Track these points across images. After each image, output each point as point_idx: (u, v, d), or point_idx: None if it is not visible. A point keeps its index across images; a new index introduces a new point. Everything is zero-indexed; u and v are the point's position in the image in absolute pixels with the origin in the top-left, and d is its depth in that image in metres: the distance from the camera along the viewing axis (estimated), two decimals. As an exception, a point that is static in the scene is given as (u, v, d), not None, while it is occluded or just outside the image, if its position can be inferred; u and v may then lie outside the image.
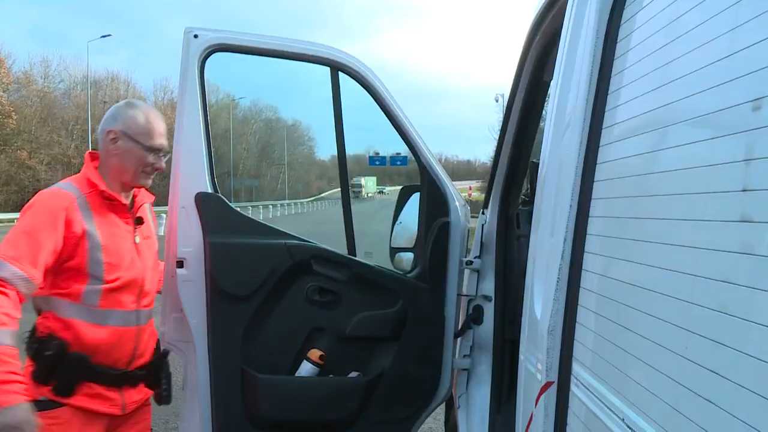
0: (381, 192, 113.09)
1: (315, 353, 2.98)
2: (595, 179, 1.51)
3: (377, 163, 76.35)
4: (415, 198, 3.29)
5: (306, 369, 2.98)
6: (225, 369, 2.89)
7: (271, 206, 65.74)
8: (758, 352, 0.84)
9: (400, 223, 3.41)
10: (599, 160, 1.51)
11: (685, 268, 1.07)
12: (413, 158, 3.12)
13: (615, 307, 1.34)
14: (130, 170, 2.46)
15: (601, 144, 1.52)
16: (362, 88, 3.12)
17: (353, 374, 3.05)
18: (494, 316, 3.08)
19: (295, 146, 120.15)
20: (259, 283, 2.92)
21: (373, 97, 3.11)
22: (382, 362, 3.05)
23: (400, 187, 3.72)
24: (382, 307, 3.01)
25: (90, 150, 2.68)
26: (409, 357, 3.01)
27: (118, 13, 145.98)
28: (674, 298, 1.09)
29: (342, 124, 3.19)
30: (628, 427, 1.19)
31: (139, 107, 2.60)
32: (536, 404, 1.61)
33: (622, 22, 1.49)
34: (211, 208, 2.89)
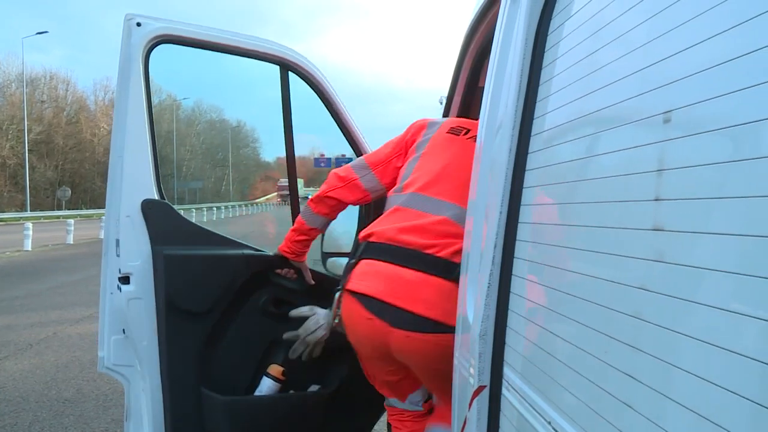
0: (306, 197, 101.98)
1: (276, 369, 2.87)
2: (524, 185, 1.54)
3: (322, 165, 76.24)
4: None
5: (267, 386, 2.85)
6: (181, 392, 2.68)
7: (215, 208, 64.87)
8: (670, 357, 0.87)
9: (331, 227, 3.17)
10: (528, 167, 1.54)
11: (605, 275, 1.10)
12: None
13: (542, 312, 1.37)
14: None
15: (529, 151, 1.54)
16: (310, 88, 3.06)
17: (314, 387, 2.98)
18: None
19: (239, 148, 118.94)
20: (217, 298, 2.75)
21: (320, 98, 3.07)
22: (340, 372, 2.99)
23: None
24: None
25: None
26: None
27: (53, 6, 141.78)
28: (595, 303, 1.11)
29: (291, 125, 3.11)
30: (555, 429, 1.21)
31: None
32: (470, 408, 1.63)
33: (549, 31, 1.52)
34: (159, 217, 2.70)
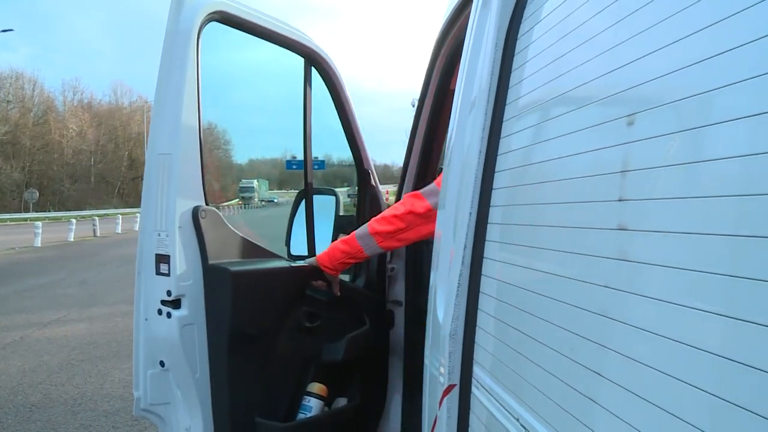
0: (271, 201, 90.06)
1: (319, 387, 2.69)
2: (494, 187, 1.56)
3: (294, 167, 75.87)
4: (323, 202, 3.11)
5: (315, 405, 2.64)
6: (239, 426, 2.36)
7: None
8: (634, 353, 0.89)
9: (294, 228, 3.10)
10: (497, 168, 1.56)
11: (572, 274, 1.13)
12: (348, 162, 3.00)
13: (510, 312, 1.39)
14: None
15: (499, 153, 1.57)
16: (326, 86, 2.93)
17: (342, 400, 2.89)
18: (404, 321, 3.10)
19: (211, 150, 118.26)
20: (273, 316, 2.48)
21: (334, 98, 2.95)
22: (359, 381, 2.92)
23: (296, 192, 3.31)
24: (355, 327, 2.82)
25: None
26: (378, 368, 2.94)
27: (18, 4, 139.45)
28: (562, 302, 1.14)
29: (309, 123, 2.91)
30: (523, 427, 1.23)
31: None
32: (440, 407, 1.65)
33: (519, 35, 1.55)
34: (210, 228, 2.32)
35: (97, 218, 34.93)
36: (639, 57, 0.96)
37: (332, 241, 3.01)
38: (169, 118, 2.24)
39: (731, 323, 0.71)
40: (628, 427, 0.89)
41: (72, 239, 27.45)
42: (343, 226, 3.06)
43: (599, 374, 0.98)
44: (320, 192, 3.15)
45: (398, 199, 3.38)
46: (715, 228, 0.74)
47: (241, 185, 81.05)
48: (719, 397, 0.71)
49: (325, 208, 3.13)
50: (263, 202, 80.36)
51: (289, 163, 74.24)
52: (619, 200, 0.96)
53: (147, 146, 2.27)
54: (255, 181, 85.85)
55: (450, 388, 1.61)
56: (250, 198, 79.91)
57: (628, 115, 0.96)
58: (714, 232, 0.74)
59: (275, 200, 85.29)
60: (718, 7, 0.79)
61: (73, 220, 30.38)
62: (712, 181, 0.76)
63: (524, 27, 1.53)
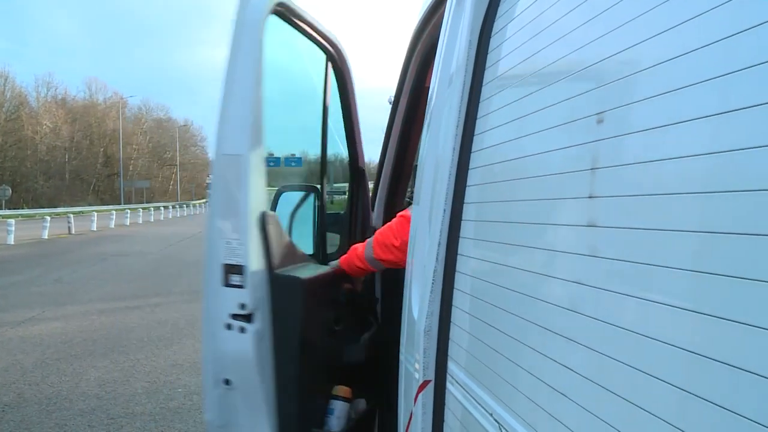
0: None
1: (344, 389, 2.62)
2: (468, 184, 1.58)
3: (271, 164, 75.50)
4: (310, 201, 3.04)
5: (339, 408, 2.57)
6: None
7: (162, 208, 63.72)
8: (603, 348, 0.92)
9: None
10: (471, 165, 1.58)
11: (544, 270, 1.15)
12: (341, 161, 2.96)
13: (484, 308, 1.41)
14: None
15: (473, 150, 1.58)
16: (337, 84, 2.89)
17: (361, 402, 2.85)
18: (381, 317, 3.11)
19: (187, 147, 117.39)
20: (323, 322, 2.40)
21: (342, 97, 2.92)
22: (373, 381, 2.90)
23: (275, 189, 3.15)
24: (366, 327, 2.81)
25: None
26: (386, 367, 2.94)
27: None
28: (534, 298, 1.16)
29: (327, 120, 2.85)
30: (496, 421, 1.25)
31: None
32: (415, 402, 1.66)
33: (492, 33, 1.57)
34: (274, 234, 2.18)
35: (72, 215, 34.50)
36: (608, 56, 0.98)
37: (318, 238, 2.99)
38: (239, 115, 2.05)
39: (696, 318, 0.73)
40: (596, 419, 0.91)
41: (46, 237, 27.10)
42: (331, 224, 3.03)
43: (570, 368, 1.00)
44: (302, 189, 3.11)
45: (372, 196, 3.38)
46: (685, 224, 0.76)
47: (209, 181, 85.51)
48: (685, 390, 0.74)
49: (307, 204, 3.08)
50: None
51: (266, 161, 74.12)
52: (590, 197, 0.98)
53: (218, 145, 2.08)
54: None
55: (425, 384, 1.62)
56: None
57: (598, 113, 0.98)
58: (685, 229, 0.76)
59: None
60: (684, 7, 0.81)
61: (48, 218, 29.99)
62: (677, 178, 0.78)
63: (498, 25, 1.54)
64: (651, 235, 0.83)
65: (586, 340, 0.96)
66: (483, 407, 1.33)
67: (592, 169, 0.98)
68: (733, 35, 0.71)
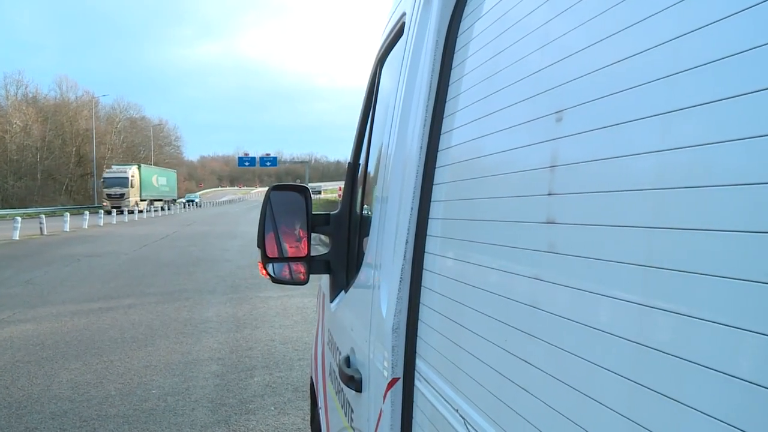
0: (191, 202, 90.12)
1: None
2: (435, 182, 1.59)
3: (246, 164, 75.33)
4: (292, 199, 2.83)
5: None
6: None
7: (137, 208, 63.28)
8: (561, 343, 0.94)
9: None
10: (438, 164, 1.59)
11: (505, 267, 1.17)
12: (348, 162, 2.87)
13: (450, 305, 1.42)
14: None
15: (439, 149, 1.59)
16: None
17: None
18: None
19: (161, 146, 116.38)
20: None
21: (368, 98, 2.79)
22: None
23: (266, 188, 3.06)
24: None
25: None
26: None
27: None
28: (497, 294, 1.18)
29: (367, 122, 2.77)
30: (462, 418, 1.27)
31: None
32: (384, 400, 1.67)
33: (459, 33, 1.58)
34: None
35: (44, 216, 34.05)
36: (566, 56, 1.00)
37: (307, 238, 2.92)
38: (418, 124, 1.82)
39: (648, 312, 0.75)
40: (556, 414, 0.93)
41: (17, 237, 26.72)
42: (316, 224, 2.98)
43: (530, 363, 1.02)
44: (289, 188, 3.04)
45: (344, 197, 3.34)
46: (639, 221, 0.79)
47: (187, 197, 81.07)
48: (639, 384, 0.76)
49: (294, 204, 2.97)
50: (187, 203, 75.39)
51: (241, 160, 73.69)
52: (549, 194, 1.01)
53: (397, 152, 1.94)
54: (197, 194, 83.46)
55: (394, 381, 1.63)
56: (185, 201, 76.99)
57: (557, 112, 1.00)
58: (639, 225, 0.78)
59: (196, 199, 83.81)
60: (635, 9, 0.83)
61: (18, 218, 29.51)
62: (636, 175, 0.80)
63: (464, 24, 1.56)
64: (605, 231, 0.85)
65: (546, 336, 0.98)
66: (450, 404, 1.34)
67: (551, 167, 1.00)
68: (680, 36, 0.74)
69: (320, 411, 3.12)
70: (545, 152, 1.02)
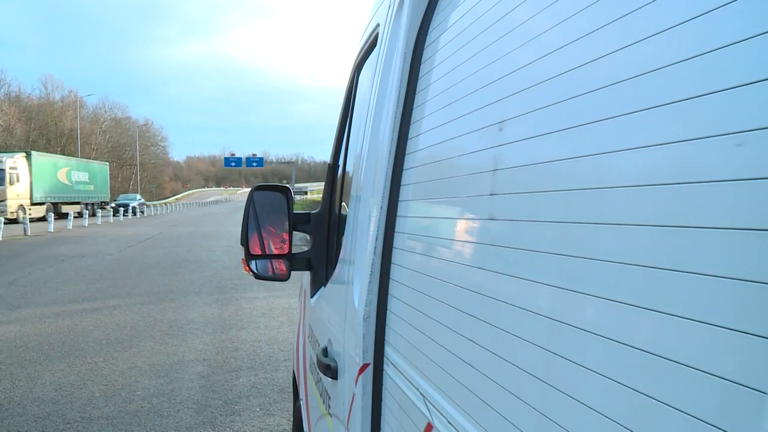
0: (123, 207, 57.20)
1: None
2: (402, 183, 1.73)
3: (233, 164, 75.18)
4: (274, 198, 2.92)
5: None
6: None
7: (121, 208, 62.06)
8: (502, 323, 1.06)
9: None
10: (405, 166, 1.73)
11: (457, 259, 1.32)
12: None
13: (415, 296, 1.55)
14: None
15: (407, 152, 1.73)
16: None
17: None
18: None
19: (147, 147, 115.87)
20: None
21: (347, 104, 2.90)
22: None
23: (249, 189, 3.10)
24: None
25: None
26: None
27: None
28: (451, 284, 1.31)
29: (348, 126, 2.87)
30: (426, 399, 1.37)
31: None
32: (356, 384, 1.79)
33: (425, 45, 1.73)
34: None
35: (27, 216, 33.77)
36: (507, 73, 1.15)
37: (289, 236, 2.96)
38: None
39: (563, 294, 0.89)
40: (506, 392, 1.03)
41: (0, 238, 26.52)
42: (298, 222, 3.01)
43: (476, 343, 1.15)
44: (272, 188, 3.06)
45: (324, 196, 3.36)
46: (552, 216, 0.94)
47: (120, 200, 64.15)
48: (575, 363, 0.85)
49: (276, 204, 2.99)
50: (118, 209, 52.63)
51: (227, 160, 73.52)
52: (491, 194, 1.16)
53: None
54: (137, 195, 68.29)
55: (364, 366, 1.76)
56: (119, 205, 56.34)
57: (499, 122, 1.15)
58: (565, 220, 0.91)
59: (140, 199, 66.57)
60: (572, 29, 0.95)
61: (1, 218, 29.28)
62: (563, 177, 0.93)
63: (430, 38, 1.70)
64: (532, 226, 1.00)
65: (492, 320, 1.10)
66: (416, 388, 1.45)
67: (493, 170, 1.15)
68: (602, 55, 0.86)
69: (301, 403, 3.22)
70: (489, 157, 1.18)
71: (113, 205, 57.33)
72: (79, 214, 49.46)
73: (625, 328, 0.75)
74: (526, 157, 1.04)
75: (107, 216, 47.79)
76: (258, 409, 5.93)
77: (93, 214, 53.32)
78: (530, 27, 1.09)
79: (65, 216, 43.86)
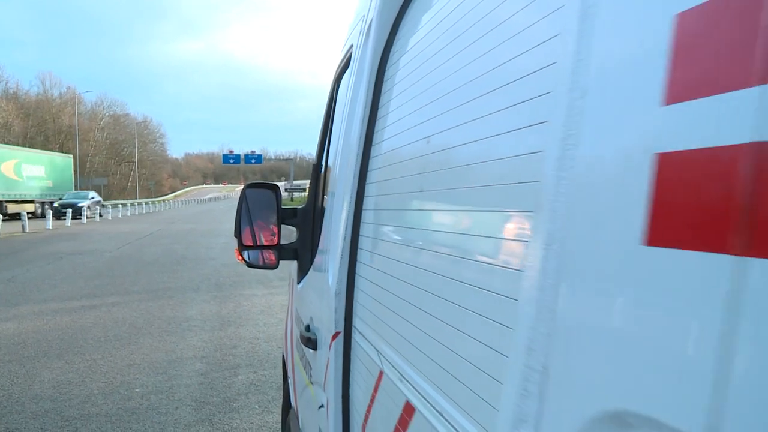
0: (67, 208, 41.55)
1: None
2: (367, 181, 2.07)
3: (231, 161, 75.14)
4: (263, 195, 3.17)
5: None
6: None
7: (120, 205, 61.95)
8: (445, 295, 1.29)
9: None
10: (370, 167, 2.06)
11: (401, 241, 1.67)
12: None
13: (377, 274, 1.86)
14: None
15: (371, 155, 2.05)
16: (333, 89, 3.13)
17: None
18: None
19: (145, 144, 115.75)
20: None
21: (329, 110, 3.16)
22: None
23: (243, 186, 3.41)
24: None
25: None
26: None
27: None
28: (399, 261, 1.63)
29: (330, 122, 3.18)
30: (386, 359, 1.65)
31: None
32: (330, 349, 2.12)
33: (387, 65, 2.04)
34: None
35: (26, 213, 33.74)
36: (435, 98, 1.49)
37: (278, 229, 3.19)
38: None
39: (486, 267, 1.14)
40: (450, 351, 1.24)
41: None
42: (286, 217, 3.15)
43: (429, 314, 1.38)
44: (262, 186, 3.26)
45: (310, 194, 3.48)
46: (466, 207, 1.27)
47: (65, 201, 46.89)
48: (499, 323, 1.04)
49: (266, 200, 3.22)
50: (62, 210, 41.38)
51: (226, 157, 73.50)
52: (420, 191, 1.53)
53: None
54: (90, 192, 51.92)
55: (336, 334, 2.09)
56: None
57: (427, 137, 1.50)
58: (480, 209, 1.19)
59: (95, 197, 50.39)
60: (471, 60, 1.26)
61: None
62: (477, 178, 1.20)
63: (392, 59, 2.01)
64: (451, 214, 1.35)
65: (436, 291, 1.35)
66: (378, 351, 1.73)
67: (423, 173, 1.50)
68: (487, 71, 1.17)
69: (289, 380, 3.52)
70: (418, 163, 1.53)
71: (56, 205, 44.95)
72: (34, 215, 43.00)
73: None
74: (444, 161, 1.37)
75: (64, 218, 38.60)
76: (257, 407, 5.94)
77: (43, 215, 41.42)
78: (461, 58, 1.35)
79: (17, 217, 37.43)
